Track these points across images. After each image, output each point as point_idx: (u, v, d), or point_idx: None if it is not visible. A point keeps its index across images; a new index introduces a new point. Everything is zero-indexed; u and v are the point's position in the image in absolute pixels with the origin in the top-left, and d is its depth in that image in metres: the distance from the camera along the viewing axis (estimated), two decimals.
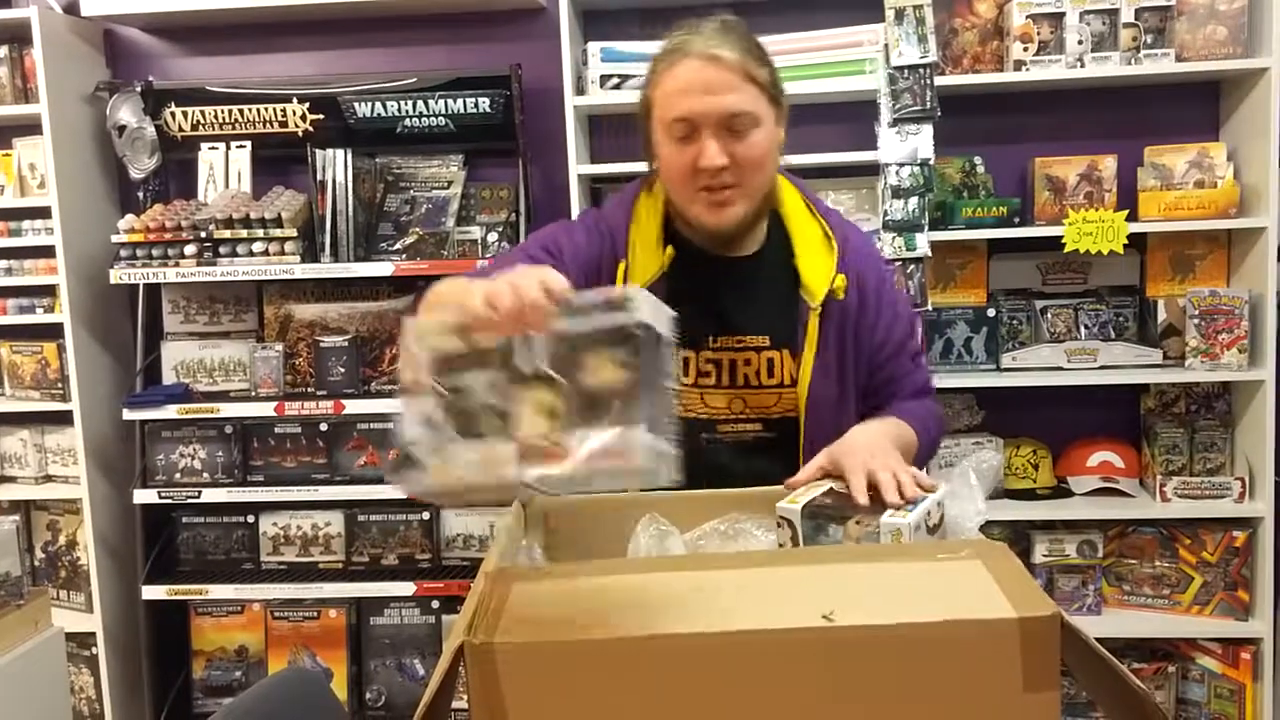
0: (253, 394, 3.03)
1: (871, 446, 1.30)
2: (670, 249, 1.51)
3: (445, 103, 2.97)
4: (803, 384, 1.51)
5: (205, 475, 3.03)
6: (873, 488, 1.23)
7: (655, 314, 0.95)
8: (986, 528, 1.22)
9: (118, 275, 2.90)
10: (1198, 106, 2.91)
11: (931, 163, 2.66)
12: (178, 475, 3.03)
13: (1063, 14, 2.70)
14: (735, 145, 1.41)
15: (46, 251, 3.02)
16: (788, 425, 1.53)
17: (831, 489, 1.25)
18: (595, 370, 0.93)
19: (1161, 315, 2.84)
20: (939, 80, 2.66)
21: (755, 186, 1.47)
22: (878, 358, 1.57)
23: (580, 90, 2.83)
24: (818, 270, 1.52)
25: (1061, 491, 2.91)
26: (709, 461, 1.49)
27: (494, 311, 0.94)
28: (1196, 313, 2.74)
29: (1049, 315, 2.91)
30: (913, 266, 2.67)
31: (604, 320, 0.94)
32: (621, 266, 1.50)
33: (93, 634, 3.07)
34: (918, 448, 1.51)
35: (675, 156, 1.44)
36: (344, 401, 2.92)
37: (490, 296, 0.94)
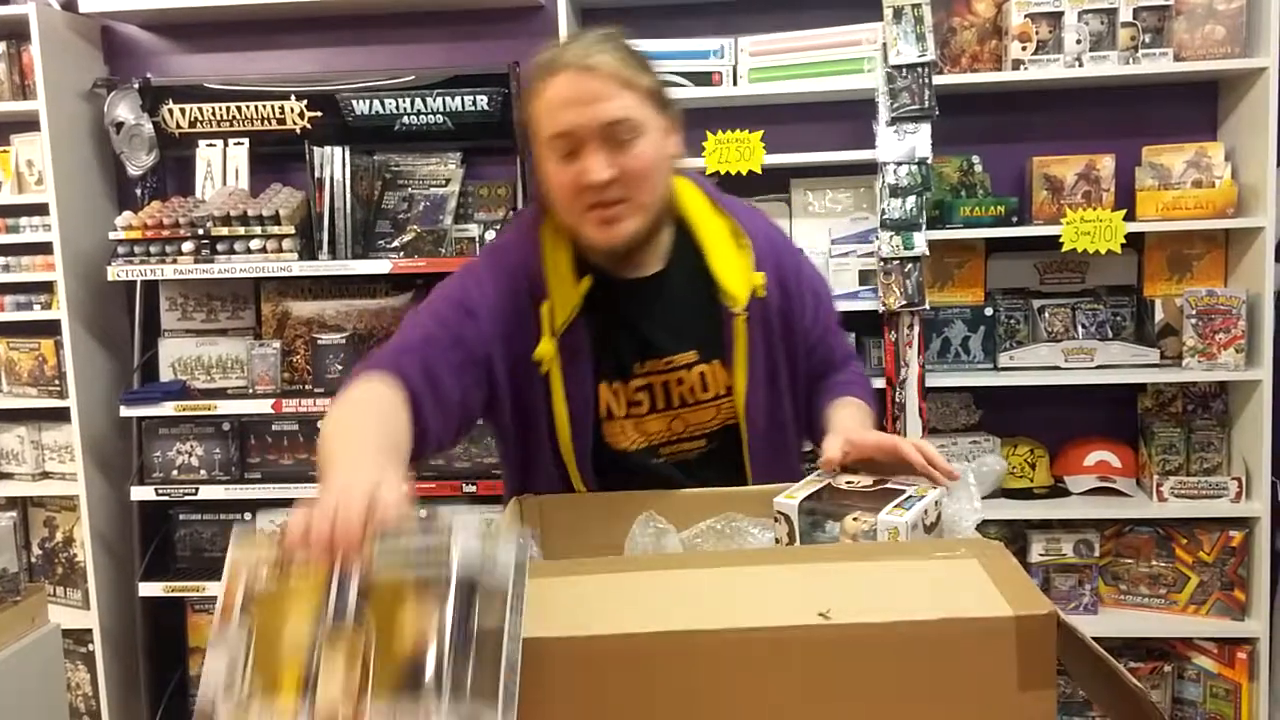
0: (250, 391, 3.03)
1: (882, 436, 1.33)
2: (588, 279, 1.41)
3: (443, 100, 2.97)
4: (739, 393, 1.46)
5: (202, 472, 3.03)
6: (874, 481, 1.25)
7: (472, 553, 0.82)
8: (983, 527, 1.23)
9: (115, 272, 2.90)
10: (1196, 106, 2.91)
11: (929, 162, 2.66)
12: (175, 472, 3.03)
13: (1061, 13, 2.70)
14: (620, 156, 1.33)
15: (44, 248, 3.01)
16: (729, 434, 1.49)
17: (829, 485, 1.25)
18: (402, 623, 0.79)
19: (1159, 315, 2.84)
20: (937, 79, 2.66)
21: (645, 199, 1.37)
22: (810, 341, 1.54)
23: None
24: (735, 273, 1.45)
25: (1058, 491, 2.91)
26: (653, 485, 1.43)
27: (305, 543, 0.85)
28: (1194, 312, 2.74)
29: (1046, 315, 2.91)
30: (910, 265, 2.67)
31: (418, 556, 0.81)
32: (545, 307, 1.40)
33: (89, 631, 3.07)
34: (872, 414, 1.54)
35: (559, 175, 1.35)
36: None
37: (308, 522, 0.86)
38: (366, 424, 1.22)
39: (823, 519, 1.19)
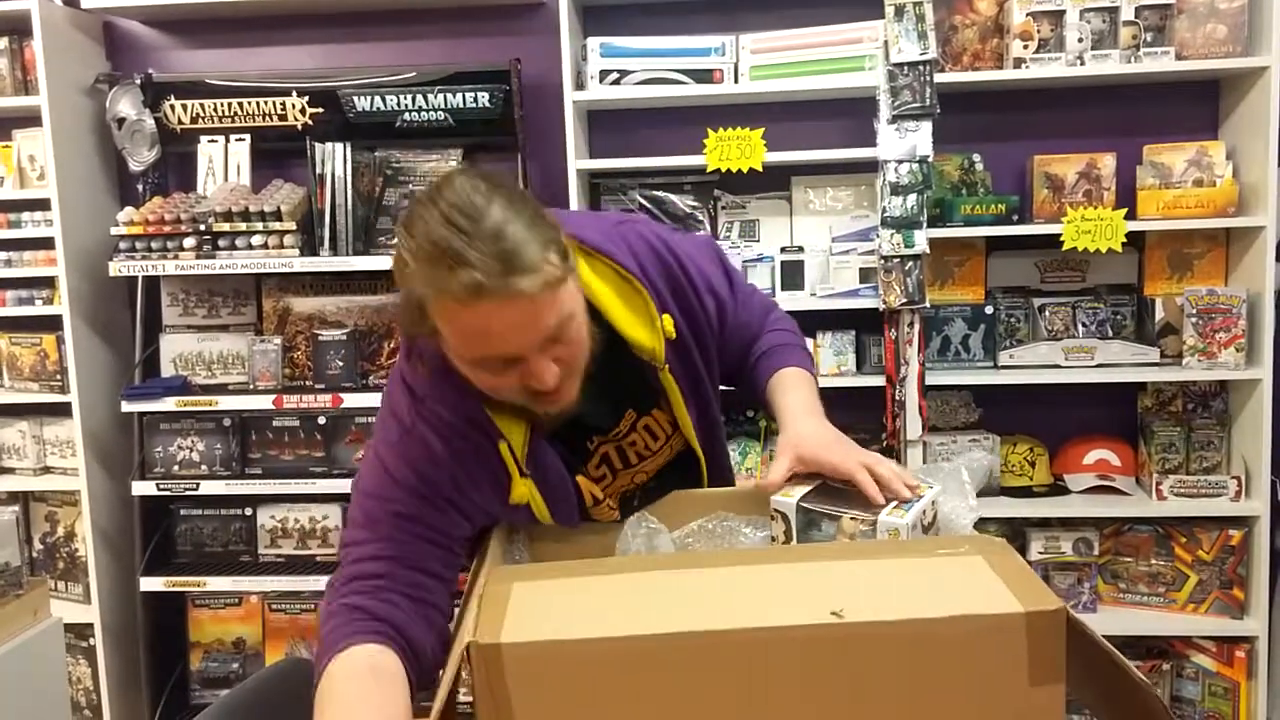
0: (251, 387, 3.03)
1: (841, 442, 1.29)
2: (521, 405, 1.28)
3: (444, 97, 2.97)
4: (686, 427, 1.42)
5: (203, 468, 3.03)
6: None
7: None
8: (982, 525, 1.23)
9: (117, 267, 2.90)
10: (1197, 105, 2.92)
11: (930, 160, 2.66)
12: (176, 467, 3.03)
13: (1063, 11, 2.70)
14: (559, 350, 1.20)
15: (46, 243, 3.01)
16: (684, 455, 1.47)
17: (824, 483, 1.25)
18: None
19: (1159, 314, 2.84)
20: (938, 77, 2.66)
21: (584, 361, 1.26)
22: (725, 335, 1.50)
23: (579, 85, 2.83)
24: (643, 332, 1.35)
25: (1058, 489, 2.92)
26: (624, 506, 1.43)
27: None
28: (1194, 311, 2.74)
29: (1047, 313, 2.91)
30: (911, 263, 2.68)
31: None
32: (504, 447, 1.30)
33: (90, 625, 3.07)
34: (813, 377, 1.50)
35: (493, 381, 1.21)
36: (342, 395, 2.92)
37: None
38: None
39: (819, 518, 1.19)
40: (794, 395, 1.43)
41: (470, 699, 0.91)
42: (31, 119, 2.98)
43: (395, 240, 1.14)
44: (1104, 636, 0.90)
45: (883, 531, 1.13)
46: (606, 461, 1.42)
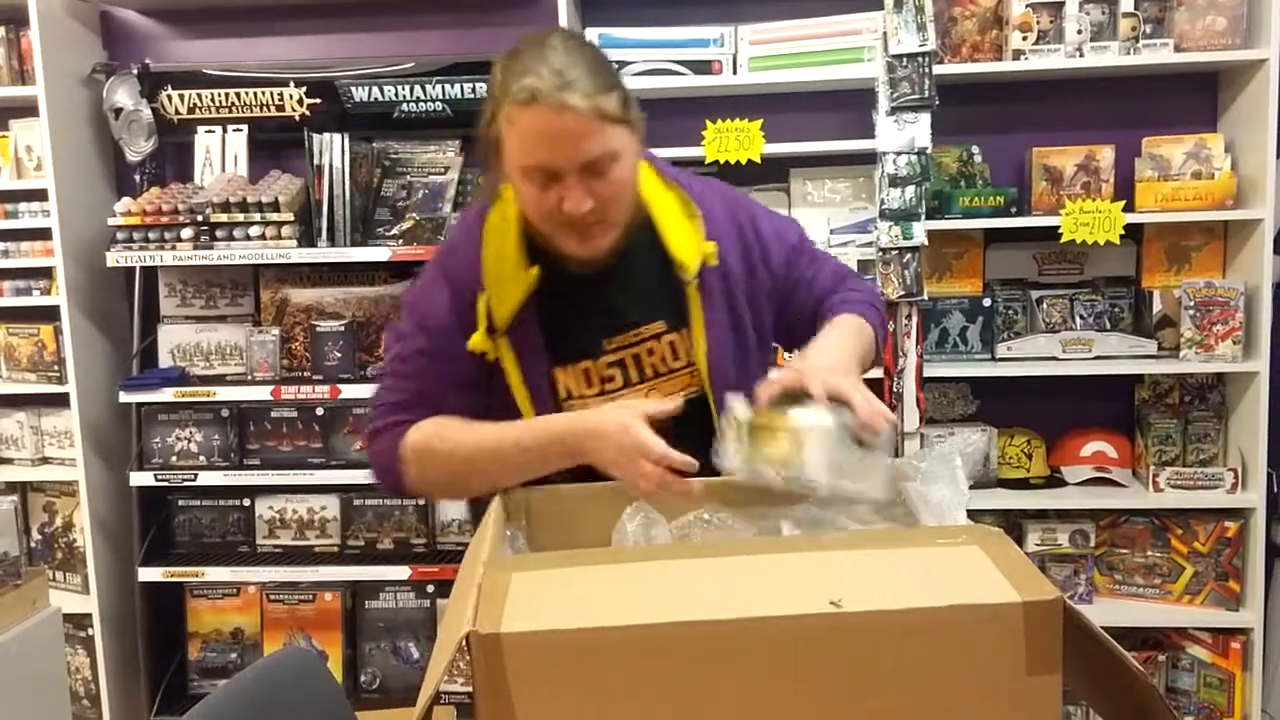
0: (249, 378, 3.03)
1: (834, 368, 1.34)
2: (535, 269, 1.44)
3: (443, 88, 2.97)
4: (700, 361, 1.49)
5: (201, 458, 3.03)
6: None
7: None
8: (979, 516, 1.23)
9: (114, 258, 2.89)
10: (1196, 97, 2.92)
11: (929, 152, 2.66)
12: (174, 458, 3.03)
13: (1062, 3, 2.70)
14: (597, 184, 1.36)
15: (43, 234, 3.01)
16: (698, 405, 1.49)
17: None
18: None
19: (1157, 306, 2.85)
20: (937, 69, 2.66)
21: (620, 215, 1.42)
22: (785, 287, 1.57)
23: None
24: (685, 244, 1.48)
25: (1055, 481, 2.92)
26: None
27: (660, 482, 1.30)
28: (1192, 304, 2.75)
29: (1044, 305, 2.92)
30: (909, 255, 2.68)
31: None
32: (482, 299, 1.44)
33: (89, 615, 3.07)
34: (873, 332, 1.55)
35: (536, 199, 1.38)
36: (340, 386, 2.92)
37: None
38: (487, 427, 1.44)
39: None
40: (833, 334, 1.49)
41: (468, 689, 0.91)
42: (28, 109, 2.98)
43: (494, 69, 1.40)
44: (1100, 628, 0.91)
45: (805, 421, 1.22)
46: (621, 366, 1.50)
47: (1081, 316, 2.90)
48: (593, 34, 2.80)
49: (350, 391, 2.92)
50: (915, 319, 2.72)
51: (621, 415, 1.31)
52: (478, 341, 1.44)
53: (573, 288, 1.46)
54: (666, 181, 1.53)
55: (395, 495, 1.48)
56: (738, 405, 1.30)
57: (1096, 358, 2.82)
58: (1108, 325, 2.90)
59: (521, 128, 1.33)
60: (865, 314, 1.56)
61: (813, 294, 1.60)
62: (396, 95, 2.98)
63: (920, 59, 2.64)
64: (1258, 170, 2.69)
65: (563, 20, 2.75)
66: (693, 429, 1.45)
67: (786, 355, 1.78)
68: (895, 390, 2.75)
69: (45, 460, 3.20)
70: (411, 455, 1.44)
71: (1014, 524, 2.90)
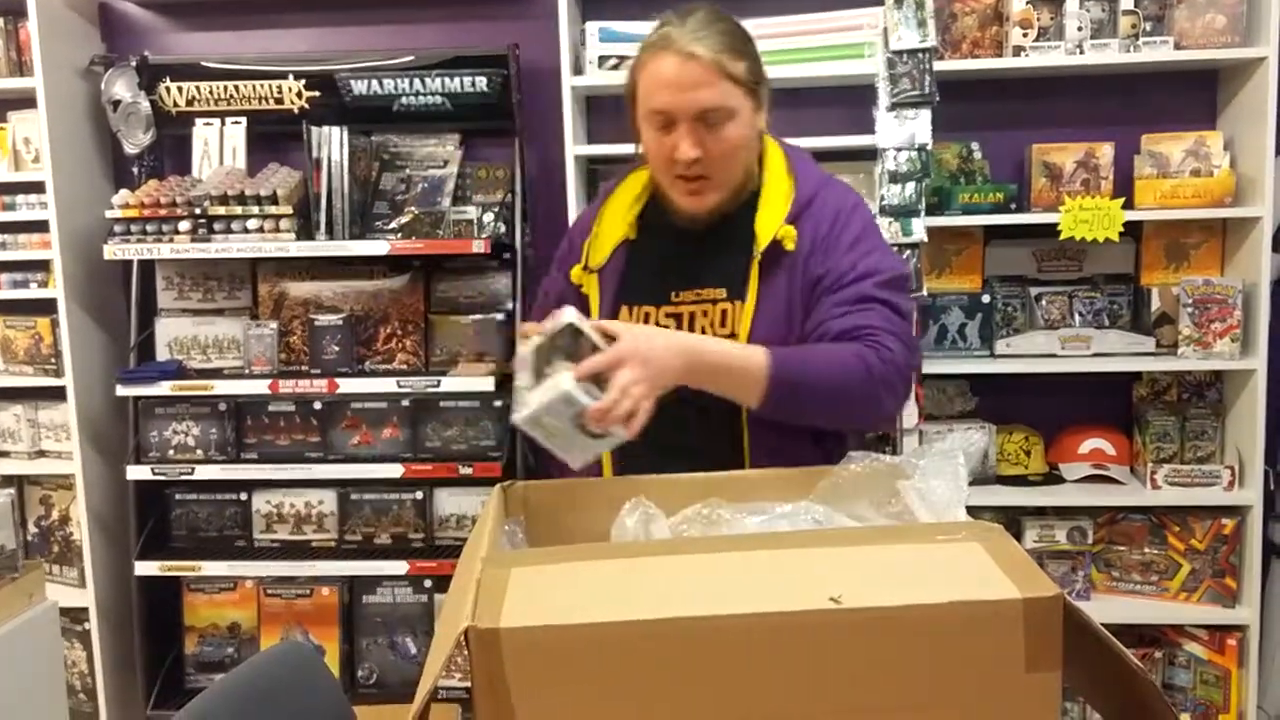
0: (246, 371, 3.02)
1: (657, 351, 1.37)
2: (631, 219, 1.64)
3: (442, 81, 2.96)
4: (742, 333, 1.53)
5: (198, 452, 3.03)
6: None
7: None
8: (978, 513, 1.23)
9: (112, 251, 2.89)
10: (1195, 95, 2.92)
11: (929, 148, 2.65)
12: (171, 452, 3.03)
13: (1063, 0, 2.70)
14: (708, 138, 1.48)
15: (40, 226, 3.00)
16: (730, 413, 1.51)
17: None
18: None
19: (1155, 303, 2.85)
20: (938, 65, 2.66)
21: (728, 176, 1.54)
22: (821, 290, 1.53)
23: (578, 70, 2.82)
24: (767, 219, 1.57)
25: (1053, 478, 2.93)
26: (668, 414, 1.41)
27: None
28: (1190, 301, 2.75)
29: (1043, 302, 2.92)
30: (909, 252, 2.67)
31: None
32: (587, 241, 1.67)
33: (85, 609, 3.07)
34: (855, 380, 1.44)
35: (654, 144, 1.53)
36: (338, 380, 2.91)
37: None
38: None
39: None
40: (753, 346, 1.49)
41: (466, 684, 0.91)
42: (26, 100, 2.97)
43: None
44: (1100, 625, 0.91)
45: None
46: (676, 319, 1.60)
47: (1080, 313, 2.90)
48: (592, 28, 2.80)
49: (348, 385, 2.91)
50: (914, 315, 2.72)
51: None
52: (576, 273, 1.66)
53: (665, 241, 1.61)
54: (790, 168, 1.63)
55: None
56: (562, 318, 1.40)
57: (1095, 355, 2.82)
58: (1106, 322, 2.90)
59: (650, 70, 1.49)
60: (868, 360, 1.44)
61: (820, 326, 1.52)
62: (396, 88, 2.97)
63: (921, 55, 2.63)
64: (1256, 168, 2.69)
65: (562, 13, 2.74)
66: (726, 405, 1.49)
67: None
68: None
69: (42, 453, 3.19)
70: None
71: (1012, 521, 2.90)
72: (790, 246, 1.54)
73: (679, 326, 1.58)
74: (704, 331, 1.57)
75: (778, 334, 1.52)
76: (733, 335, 1.55)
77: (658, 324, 1.59)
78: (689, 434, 1.49)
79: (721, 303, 1.58)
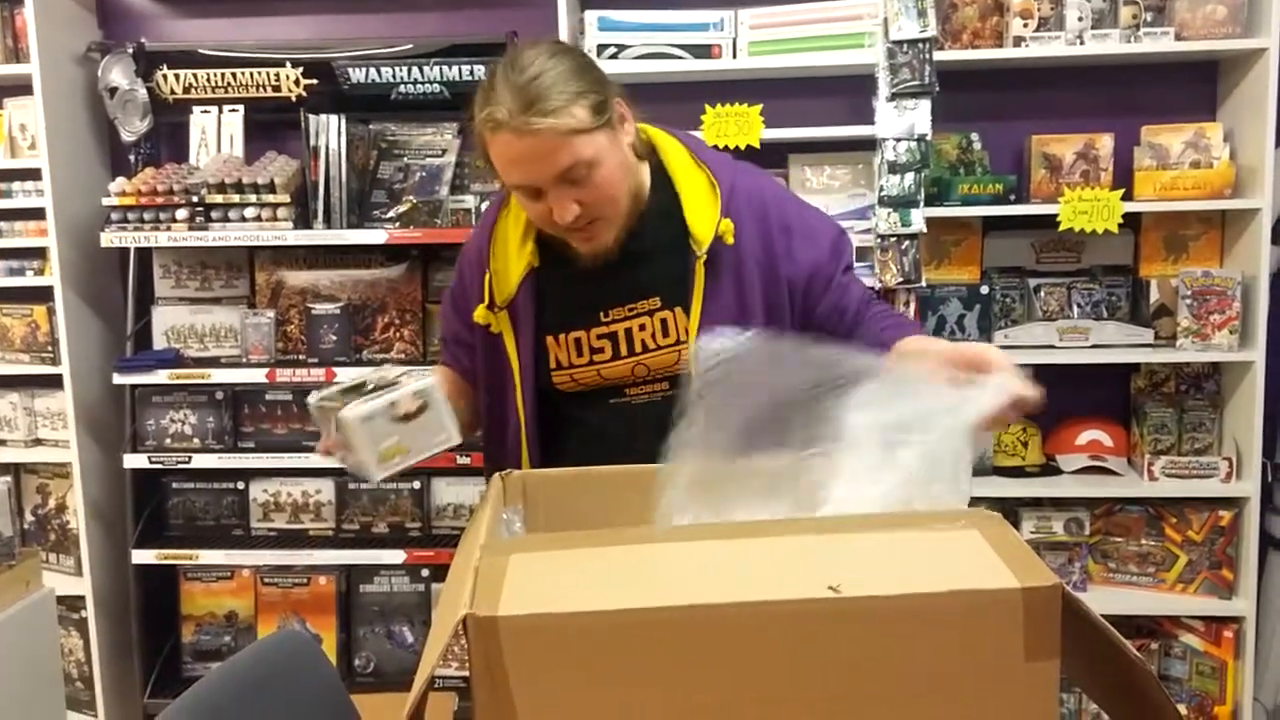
0: (244, 360, 3.02)
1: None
2: (531, 247, 1.56)
3: (440, 70, 2.95)
4: (691, 337, 1.51)
5: (196, 441, 3.02)
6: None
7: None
8: (975, 504, 1.22)
9: (108, 238, 2.88)
10: (1196, 86, 2.91)
11: (928, 138, 2.65)
12: (168, 440, 3.02)
13: None
14: (580, 192, 1.42)
15: (37, 214, 2.99)
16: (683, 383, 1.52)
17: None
18: None
19: (1154, 295, 2.85)
20: (938, 55, 2.65)
21: (616, 210, 1.48)
22: (813, 289, 1.56)
23: None
24: (702, 217, 1.52)
25: (1050, 469, 2.93)
26: (616, 423, 1.55)
27: None
28: (1189, 293, 2.75)
29: (1042, 294, 2.91)
30: (907, 242, 2.67)
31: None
32: (487, 277, 1.58)
33: (82, 597, 3.07)
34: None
35: (530, 208, 1.47)
36: (336, 369, 2.91)
37: None
38: None
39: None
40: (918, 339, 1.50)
41: (464, 673, 0.91)
42: (23, 87, 2.96)
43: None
44: (1098, 615, 0.91)
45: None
46: (611, 339, 1.56)
47: (1079, 305, 2.90)
48: (591, 17, 2.79)
49: (346, 375, 2.90)
50: (913, 306, 2.72)
51: None
52: (480, 314, 1.57)
53: (576, 264, 1.54)
54: (698, 161, 1.58)
55: None
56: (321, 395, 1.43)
57: (1093, 346, 2.82)
58: (1105, 314, 2.90)
59: (495, 153, 1.41)
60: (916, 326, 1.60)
61: (836, 309, 1.58)
62: (394, 77, 2.96)
63: (920, 45, 2.63)
64: (1256, 160, 2.69)
65: (561, 2, 2.73)
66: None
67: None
68: None
69: (39, 442, 3.18)
70: None
71: (1009, 512, 2.90)
72: (730, 240, 1.52)
73: (615, 344, 1.55)
74: (644, 345, 1.55)
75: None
76: (679, 342, 1.54)
77: (591, 348, 1.56)
78: (647, 436, 1.44)
79: (659, 312, 1.55)
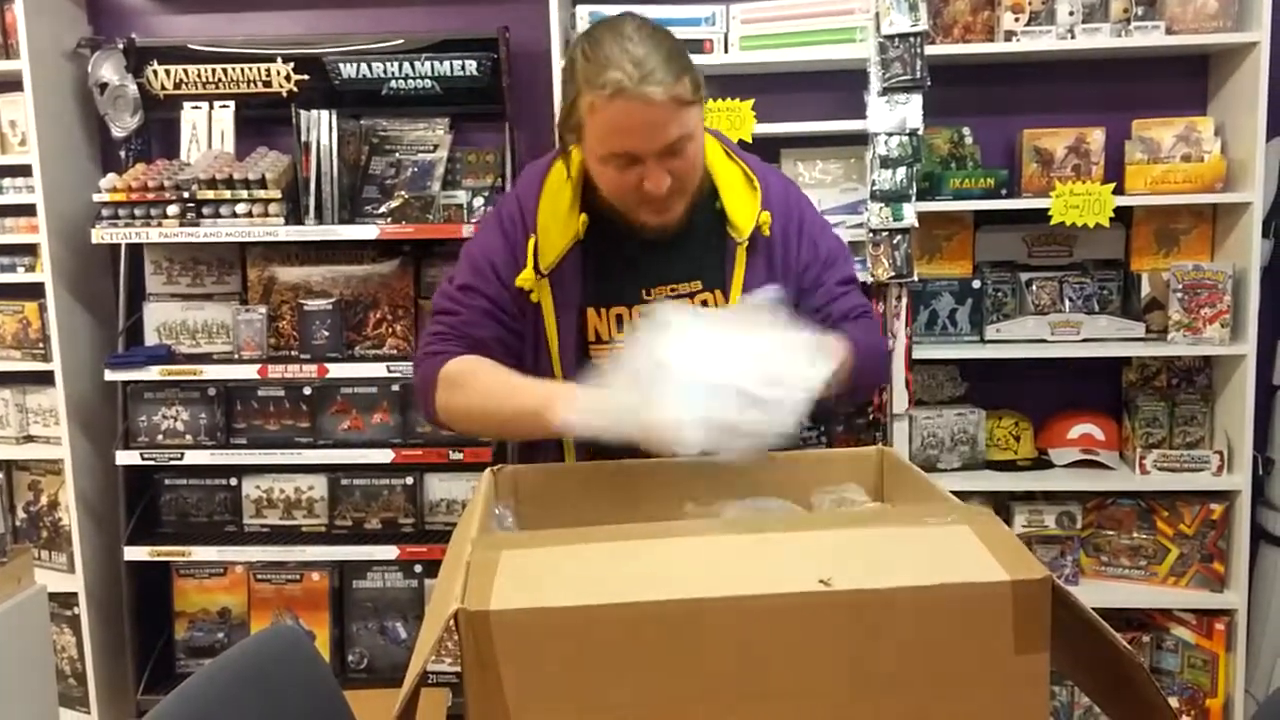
0: (236, 356, 3.01)
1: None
2: (584, 216, 1.56)
3: (431, 65, 2.94)
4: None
5: (188, 437, 3.02)
6: None
7: None
8: (969, 498, 1.23)
9: (99, 235, 2.87)
10: (1186, 80, 2.92)
11: (920, 133, 2.65)
12: (160, 437, 3.02)
13: None
14: (674, 163, 1.46)
15: (27, 210, 2.98)
16: None
17: None
18: None
19: (1145, 289, 2.85)
20: (929, 49, 2.65)
21: (693, 185, 1.53)
22: (803, 283, 1.64)
23: None
24: (743, 208, 1.60)
25: (1042, 463, 2.93)
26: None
27: None
28: (1180, 287, 2.75)
29: (1034, 288, 2.92)
30: (899, 237, 2.67)
31: None
32: (531, 241, 1.56)
33: (74, 594, 3.06)
34: (852, 358, 1.53)
35: (616, 178, 1.48)
36: (328, 365, 2.90)
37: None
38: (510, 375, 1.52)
39: None
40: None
41: (456, 669, 0.91)
42: (12, 83, 2.95)
43: (572, 52, 1.49)
44: (1089, 608, 0.91)
45: None
46: None
47: (1070, 299, 2.91)
48: (583, 11, 2.78)
49: (338, 370, 2.91)
50: (905, 300, 2.72)
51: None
52: (525, 278, 1.55)
53: (621, 239, 1.56)
54: (730, 156, 1.65)
55: (430, 422, 1.63)
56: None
57: (1085, 340, 2.83)
58: (1096, 308, 2.91)
59: (605, 119, 1.42)
60: (857, 350, 1.56)
61: (820, 314, 1.63)
62: (385, 72, 2.96)
63: (912, 39, 2.63)
64: (1247, 154, 2.69)
65: (553, 2, 2.73)
66: None
67: None
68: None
69: (30, 438, 3.18)
70: (443, 383, 1.55)
71: (1001, 506, 2.91)
72: (767, 232, 1.60)
73: None
74: None
75: None
76: None
77: (632, 323, 1.56)
78: None
79: (700, 294, 1.60)
